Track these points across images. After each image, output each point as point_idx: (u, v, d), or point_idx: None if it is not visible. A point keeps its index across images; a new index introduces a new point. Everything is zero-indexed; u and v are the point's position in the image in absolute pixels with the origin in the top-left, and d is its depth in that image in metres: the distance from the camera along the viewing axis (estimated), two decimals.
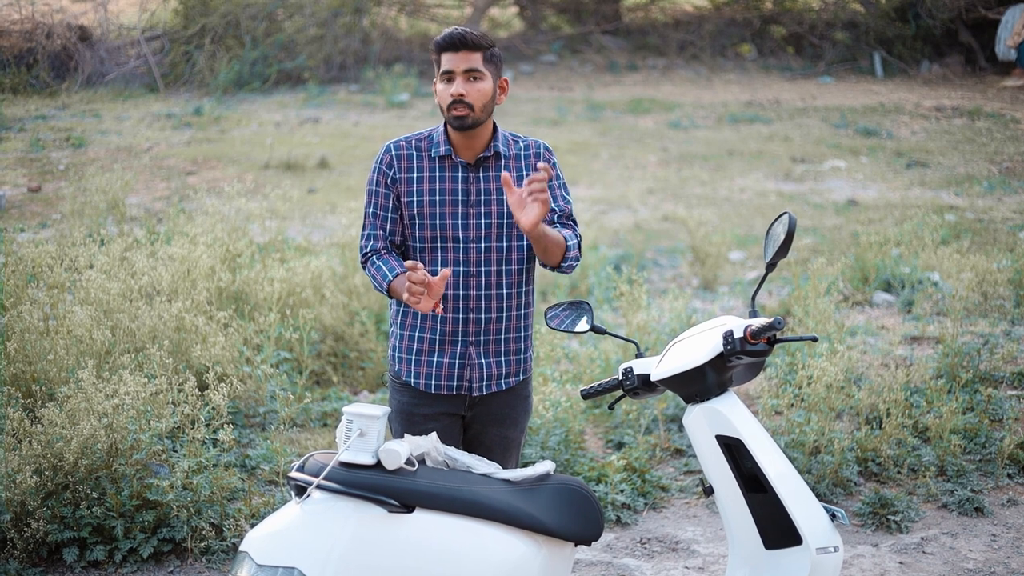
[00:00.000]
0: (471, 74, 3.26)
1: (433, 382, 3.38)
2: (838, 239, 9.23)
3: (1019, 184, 10.90)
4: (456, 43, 3.25)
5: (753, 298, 3.28)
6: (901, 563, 4.44)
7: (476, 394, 3.39)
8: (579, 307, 3.51)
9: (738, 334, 3.03)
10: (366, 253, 3.37)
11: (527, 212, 3.06)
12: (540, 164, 3.09)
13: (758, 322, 3.03)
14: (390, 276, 3.25)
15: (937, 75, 16.90)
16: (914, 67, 17.37)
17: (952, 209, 9.99)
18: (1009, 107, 14.23)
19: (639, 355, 3.41)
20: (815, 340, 3.08)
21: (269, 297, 5.98)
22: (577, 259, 3.37)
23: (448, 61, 3.26)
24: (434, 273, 3.29)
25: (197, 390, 4.43)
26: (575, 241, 3.35)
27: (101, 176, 7.93)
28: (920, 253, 7.69)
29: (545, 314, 3.49)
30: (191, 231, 6.51)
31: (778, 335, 3.10)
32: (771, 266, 3.19)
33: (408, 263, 3.00)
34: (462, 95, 3.24)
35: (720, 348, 3.04)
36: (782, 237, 3.11)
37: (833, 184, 11.39)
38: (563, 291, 7.88)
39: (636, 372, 3.31)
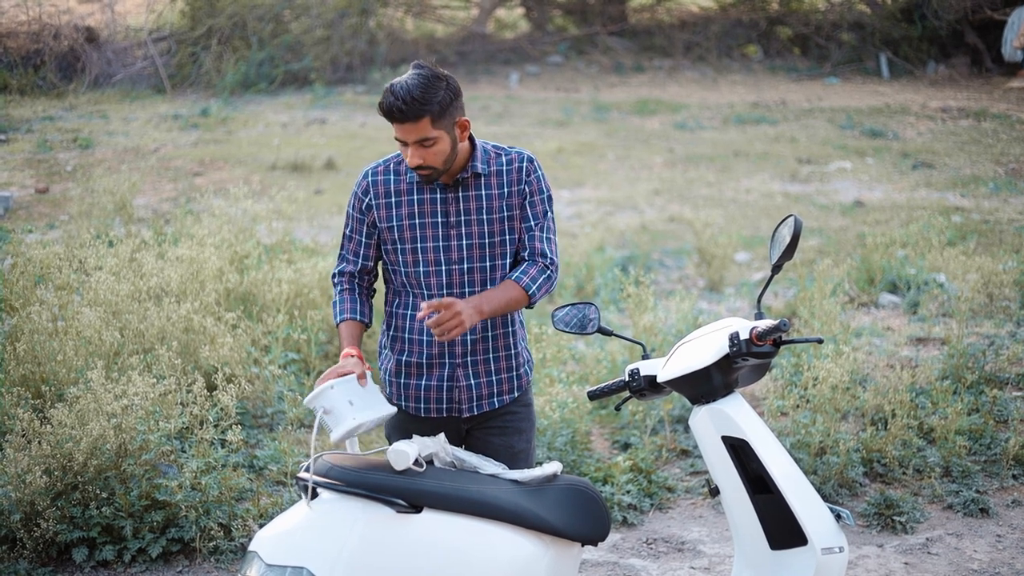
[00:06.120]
0: (423, 143, 3.12)
1: (422, 405, 3.33)
2: (844, 240, 9.23)
3: None
4: (396, 116, 3.10)
5: (759, 299, 3.29)
6: (906, 564, 4.44)
7: (467, 415, 3.33)
8: (586, 308, 3.50)
9: (744, 336, 3.04)
10: (335, 273, 3.39)
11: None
12: (421, 315, 3.05)
13: (764, 323, 3.04)
14: (338, 318, 3.32)
15: (943, 76, 16.89)
16: (920, 68, 17.36)
17: (958, 210, 9.98)
18: (1015, 108, 14.21)
19: (645, 356, 3.42)
20: (820, 342, 3.09)
21: (277, 298, 6.00)
22: (547, 292, 3.30)
23: (397, 130, 3.14)
24: (421, 285, 3.27)
25: (205, 391, 4.45)
26: (532, 283, 3.25)
27: (108, 177, 7.97)
28: (926, 254, 7.68)
29: (552, 315, 3.50)
30: (198, 232, 6.53)
31: (784, 336, 3.11)
32: (777, 268, 3.20)
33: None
34: (419, 164, 3.15)
35: (726, 349, 3.05)
36: (788, 240, 3.12)
37: (839, 185, 11.38)
38: (570, 292, 7.89)
39: (642, 373, 3.31)
